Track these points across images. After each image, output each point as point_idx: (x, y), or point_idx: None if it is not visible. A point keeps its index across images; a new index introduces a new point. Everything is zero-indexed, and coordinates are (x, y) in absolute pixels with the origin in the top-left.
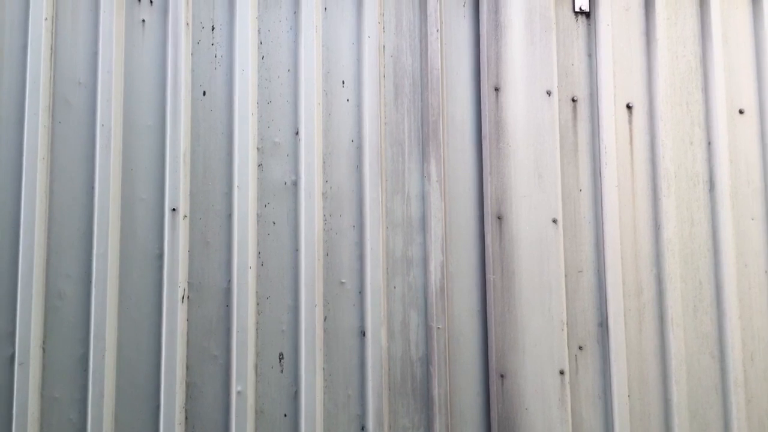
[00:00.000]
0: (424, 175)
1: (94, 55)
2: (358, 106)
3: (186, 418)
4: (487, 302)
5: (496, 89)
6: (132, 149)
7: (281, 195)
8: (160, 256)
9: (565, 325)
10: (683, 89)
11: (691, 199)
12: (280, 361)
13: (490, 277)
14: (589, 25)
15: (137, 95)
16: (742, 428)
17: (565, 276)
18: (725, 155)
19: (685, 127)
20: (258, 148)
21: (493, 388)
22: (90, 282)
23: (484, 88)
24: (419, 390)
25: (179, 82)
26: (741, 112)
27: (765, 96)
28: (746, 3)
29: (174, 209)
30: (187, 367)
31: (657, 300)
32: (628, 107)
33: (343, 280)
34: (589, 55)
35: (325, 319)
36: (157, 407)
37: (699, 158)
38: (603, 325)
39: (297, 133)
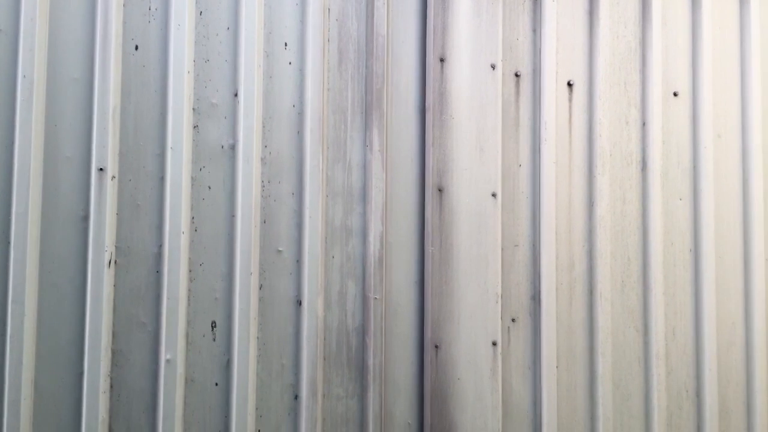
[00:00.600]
0: (366, 144)
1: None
2: (301, 70)
3: (111, 386)
4: (425, 274)
5: (442, 60)
6: (56, 103)
7: (218, 158)
8: (86, 218)
9: (500, 298)
10: (622, 69)
11: (624, 177)
12: (212, 329)
13: (428, 248)
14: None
15: (63, 46)
16: (661, 399)
17: (502, 249)
18: (658, 136)
19: (622, 107)
20: (194, 109)
21: (428, 358)
22: (8, 243)
23: (430, 58)
24: (354, 359)
25: (109, 33)
26: (675, 94)
27: (699, 79)
28: None
29: (101, 169)
30: (113, 334)
31: (587, 275)
32: (569, 85)
33: (281, 248)
34: (534, 31)
35: (260, 288)
36: (80, 374)
37: (633, 138)
38: (535, 298)
39: (236, 95)
